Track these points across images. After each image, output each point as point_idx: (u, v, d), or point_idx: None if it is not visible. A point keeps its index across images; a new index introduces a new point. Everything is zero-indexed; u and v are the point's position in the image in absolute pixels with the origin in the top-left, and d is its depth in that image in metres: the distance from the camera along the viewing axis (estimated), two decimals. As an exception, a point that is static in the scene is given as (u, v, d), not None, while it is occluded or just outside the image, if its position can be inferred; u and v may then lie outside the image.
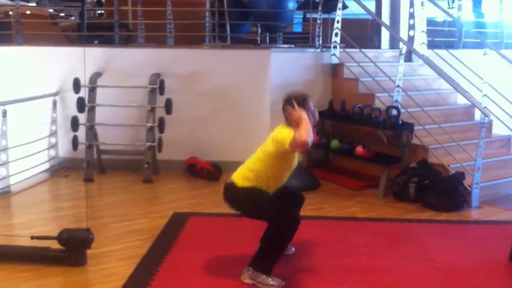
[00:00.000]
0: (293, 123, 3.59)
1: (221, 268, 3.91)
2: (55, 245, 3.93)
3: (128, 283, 3.65)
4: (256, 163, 3.72)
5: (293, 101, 3.63)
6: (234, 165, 6.53)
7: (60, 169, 6.59)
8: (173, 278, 3.74)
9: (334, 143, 6.35)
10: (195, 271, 3.85)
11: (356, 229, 4.80)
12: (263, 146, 3.76)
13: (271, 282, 3.58)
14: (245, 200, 3.70)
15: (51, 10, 8.80)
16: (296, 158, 3.80)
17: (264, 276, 3.58)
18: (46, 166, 6.49)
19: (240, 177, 3.75)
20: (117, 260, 4.02)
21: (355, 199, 5.69)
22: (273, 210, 3.60)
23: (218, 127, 6.69)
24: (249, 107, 6.67)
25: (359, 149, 6.03)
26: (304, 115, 3.53)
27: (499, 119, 6.41)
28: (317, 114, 3.81)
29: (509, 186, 5.93)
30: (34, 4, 9.47)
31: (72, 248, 3.90)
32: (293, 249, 4.13)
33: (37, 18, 8.68)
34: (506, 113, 6.54)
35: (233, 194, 3.77)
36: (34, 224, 4.74)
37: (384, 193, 5.70)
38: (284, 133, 3.54)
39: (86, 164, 6.20)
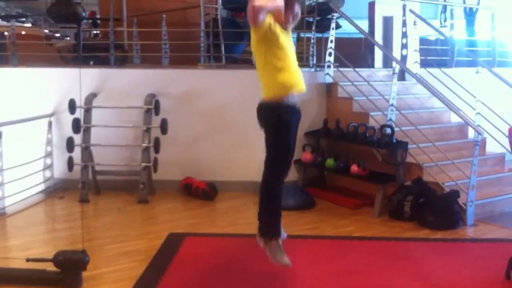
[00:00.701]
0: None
1: (218, 289, 3.89)
2: (50, 267, 3.90)
3: (124, 305, 3.63)
4: (258, 64, 3.75)
5: None
6: (230, 185, 6.59)
7: (55, 190, 6.57)
8: (170, 299, 3.72)
9: (329, 161, 6.37)
10: (192, 292, 3.84)
11: (353, 248, 4.80)
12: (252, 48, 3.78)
13: (279, 256, 3.69)
14: (271, 124, 3.75)
15: (46, 31, 8.85)
16: (276, 34, 3.66)
17: (274, 243, 3.70)
18: (42, 187, 6.47)
19: (264, 91, 3.79)
20: (113, 281, 4.00)
21: (351, 217, 5.69)
22: (285, 147, 3.76)
23: (214, 147, 6.71)
24: (244, 127, 6.67)
25: (354, 168, 6.05)
26: None
27: (492, 137, 6.45)
28: (298, 13, 3.81)
29: (504, 204, 5.95)
30: (29, 25, 9.54)
31: (68, 270, 3.88)
32: (285, 234, 4.12)
33: (32, 39, 8.73)
34: (500, 130, 6.58)
35: (263, 114, 3.81)
36: (29, 246, 4.71)
37: (380, 212, 5.71)
38: None
39: (82, 185, 6.19)
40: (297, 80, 3.78)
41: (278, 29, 3.67)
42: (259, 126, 3.90)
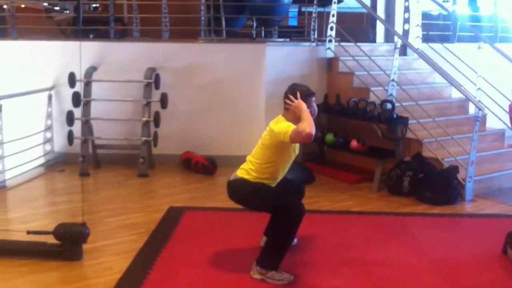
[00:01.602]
0: (291, 113, 3.63)
1: (218, 262, 3.93)
2: (51, 239, 3.94)
3: (124, 277, 3.66)
4: (257, 157, 3.75)
5: (297, 91, 3.66)
6: (229, 159, 6.59)
7: (56, 164, 6.59)
8: (170, 271, 3.76)
9: (329, 137, 6.37)
10: (192, 265, 3.87)
11: (351, 223, 4.83)
12: (261, 140, 3.78)
13: (281, 277, 3.60)
14: (250, 195, 3.72)
15: (45, 4, 8.77)
16: (296, 149, 3.82)
17: (273, 271, 3.60)
18: (42, 160, 6.50)
19: (243, 172, 3.78)
20: (113, 254, 4.04)
21: (350, 192, 5.72)
22: (278, 203, 3.63)
23: (213, 121, 6.71)
24: (244, 101, 6.68)
25: (354, 143, 6.06)
26: (304, 106, 3.57)
27: (493, 113, 6.44)
28: (316, 111, 3.85)
29: (503, 180, 5.96)
30: (28, -2, 9.44)
31: (68, 243, 3.91)
32: (296, 240, 4.14)
33: (32, 12, 8.66)
34: (500, 106, 6.57)
35: (238, 190, 3.78)
36: (30, 218, 4.75)
37: (379, 187, 5.73)
38: (282, 126, 3.56)
39: (82, 159, 6.21)
40: (280, 178, 3.83)
41: (297, 146, 3.80)
42: (233, 200, 3.86)
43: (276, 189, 3.78)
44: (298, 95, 3.65)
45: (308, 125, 3.41)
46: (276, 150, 3.67)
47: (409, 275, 3.77)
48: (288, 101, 3.67)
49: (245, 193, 3.74)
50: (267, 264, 3.62)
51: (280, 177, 3.84)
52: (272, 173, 3.75)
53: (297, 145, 3.80)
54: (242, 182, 3.74)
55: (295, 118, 3.59)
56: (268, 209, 3.70)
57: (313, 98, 3.79)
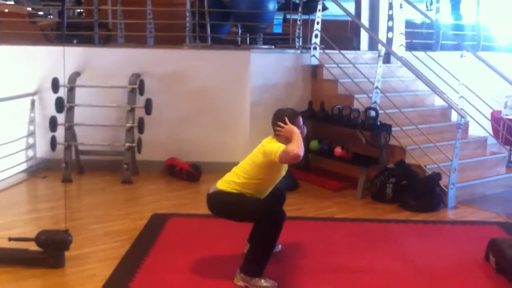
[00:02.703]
0: (282, 138, 3.70)
1: (201, 269, 3.91)
2: (33, 246, 3.90)
3: (107, 284, 3.64)
4: (245, 171, 3.75)
5: (285, 117, 3.73)
6: (214, 166, 6.59)
7: (38, 170, 6.53)
8: (153, 279, 3.74)
9: (314, 144, 6.39)
10: (175, 272, 3.86)
11: (335, 230, 4.84)
12: (251, 156, 3.80)
13: (264, 284, 3.60)
14: (231, 206, 3.72)
15: (29, 9, 8.71)
16: (284, 169, 3.86)
17: (257, 278, 3.61)
18: (24, 166, 6.43)
19: (226, 185, 3.77)
20: (96, 261, 4.01)
21: (334, 199, 5.73)
22: (259, 212, 3.63)
23: (198, 127, 6.69)
24: (229, 108, 6.68)
25: (338, 150, 6.08)
26: (295, 129, 3.66)
27: (475, 120, 6.52)
28: (305, 130, 3.96)
29: (485, 187, 6.02)
30: (12, 3, 9.38)
31: (51, 250, 3.88)
32: (280, 246, 4.16)
33: (15, 17, 8.59)
34: (482, 114, 6.66)
35: (219, 202, 3.78)
36: (12, 225, 4.69)
37: (363, 194, 5.76)
38: (274, 146, 3.61)
39: (65, 165, 6.16)
40: (265, 194, 3.86)
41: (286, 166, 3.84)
42: (214, 214, 3.87)
43: (255, 198, 3.78)
44: (287, 120, 3.71)
45: (297, 146, 3.49)
46: (267, 168, 3.70)
47: (394, 282, 3.79)
48: (278, 128, 3.72)
49: (226, 206, 3.75)
50: (251, 271, 3.63)
51: (265, 194, 3.86)
52: (258, 190, 3.77)
53: (286, 165, 3.83)
54: (222, 194, 3.74)
55: (287, 142, 3.65)
56: (249, 219, 3.71)
57: (300, 118, 3.84)
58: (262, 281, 3.61)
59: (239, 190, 3.71)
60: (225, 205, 3.76)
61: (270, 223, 3.56)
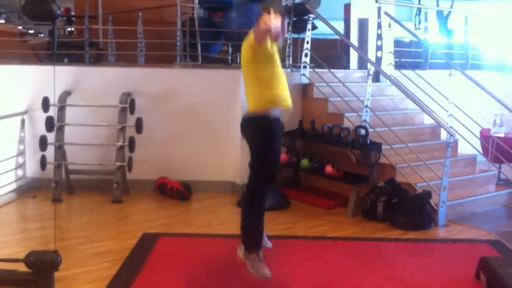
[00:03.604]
0: (260, 26, 3.70)
1: (191, 290, 3.89)
2: (22, 267, 3.85)
3: (96, 306, 3.61)
4: (246, 75, 3.89)
5: (271, 8, 3.71)
6: (205, 185, 6.58)
7: (28, 189, 6.49)
8: (143, 300, 3.71)
9: (304, 162, 6.41)
10: (165, 292, 3.83)
11: (326, 248, 4.84)
12: (243, 63, 3.90)
13: (258, 268, 3.69)
14: (256, 135, 3.87)
15: (20, 28, 8.72)
16: (274, 51, 3.87)
17: (254, 255, 3.71)
18: (14, 186, 6.39)
19: (250, 104, 3.91)
20: (85, 282, 3.98)
21: (325, 218, 5.73)
22: (262, 164, 3.81)
23: (189, 146, 6.69)
24: (220, 127, 6.68)
25: (329, 169, 6.10)
26: (270, 17, 3.60)
27: (464, 139, 6.56)
28: (286, 28, 4.04)
29: (475, 205, 6.04)
30: (3, 21, 9.39)
31: (40, 271, 3.82)
32: (271, 244, 4.18)
33: (6, 36, 8.59)
34: (472, 132, 6.70)
35: (247, 126, 3.94)
36: (0, 246, 4.65)
37: (353, 212, 5.76)
38: (249, 34, 3.72)
39: (55, 184, 6.13)
40: (285, 95, 3.95)
41: (274, 46, 3.88)
42: (242, 137, 4.03)
43: (275, 151, 3.92)
44: (271, 11, 3.68)
45: (267, 20, 3.52)
46: (255, 55, 3.76)
47: (384, 301, 3.79)
48: (262, 17, 3.72)
49: (255, 130, 3.89)
50: (244, 241, 3.75)
51: (280, 85, 3.89)
52: (270, 82, 3.82)
53: (273, 45, 3.85)
54: (252, 113, 3.89)
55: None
56: (254, 157, 3.85)
57: (286, 20, 3.96)
58: (259, 264, 3.71)
59: (261, 101, 3.83)
60: (253, 131, 3.91)
61: (255, 190, 3.80)
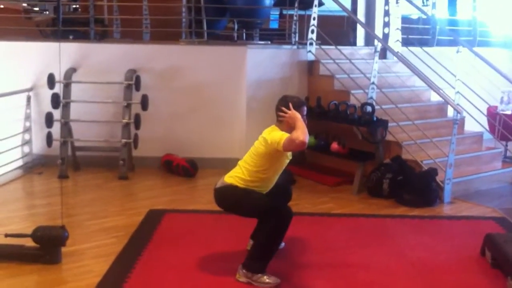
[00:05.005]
0: (285, 124, 3.67)
1: (198, 265, 3.91)
2: (29, 243, 3.90)
3: (103, 280, 3.64)
4: (249, 163, 3.75)
5: (290, 102, 3.70)
6: (210, 162, 6.59)
7: (34, 166, 6.51)
8: (150, 274, 3.74)
9: (310, 139, 6.35)
10: (172, 267, 3.86)
11: (331, 225, 4.85)
12: (254, 148, 3.79)
13: (267, 280, 3.59)
14: (238, 200, 3.72)
15: (25, 5, 8.68)
16: (287, 158, 3.84)
17: (259, 274, 3.60)
18: (20, 163, 6.42)
19: (231, 179, 3.76)
20: (92, 257, 4.01)
21: (330, 195, 5.74)
22: (266, 207, 3.63)
23: (194, 123, 6.69)
24: (226, 104, 6.67)
25: (334, 146, 6.09)
26: (298, 115, 3.61)
27: (471, 116, 6.52)
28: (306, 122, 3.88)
29: (481, 182, 6.03)
30: (7, -2, 9.34)
31: (47, 246, 3.87)
32: (284, 244, 4.14)
33: (11, 13, 8.57)
34: (478, 109, 6.66)
35: (226, 196, 3.77)
36: (8, 222, 4.69)
37: (359, 189, 5.77)
38: (276, 136, 3.58)
39: (61, 161, 6.15)
40: (270, 187, 3.85)
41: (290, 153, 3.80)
42: (221, 208, 3.86)
43: (264, 194, 3.78)
44: (291, 106, 3.67)
45: (302, 133, 3.44)
46: (270, 157, 3.68)
47: (389, 278, 3.80)
48: (281, 113, 3.69)
49: (233, 200, 3.74)
50: (254, 267, 3.61)
51: (271, 185, 3.85)
52: (264, 180, 3.76)
53: (290, 152, 3.80)
54: (230, 188, 3.74)
55: (289, 129, 3.61)
56: (257, 214, 3.70)
57: (305, 108, 3.82)
58: (265, 277, 3.60)
59: (245, 185, 3.70)
60: (232, 199, 3.75)
61: (276, 220, 3.56)
